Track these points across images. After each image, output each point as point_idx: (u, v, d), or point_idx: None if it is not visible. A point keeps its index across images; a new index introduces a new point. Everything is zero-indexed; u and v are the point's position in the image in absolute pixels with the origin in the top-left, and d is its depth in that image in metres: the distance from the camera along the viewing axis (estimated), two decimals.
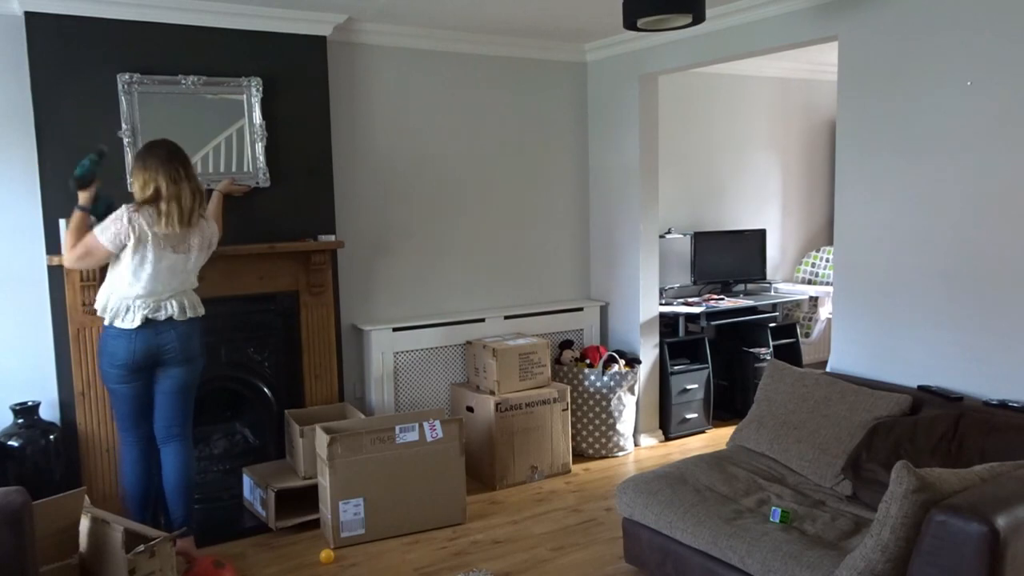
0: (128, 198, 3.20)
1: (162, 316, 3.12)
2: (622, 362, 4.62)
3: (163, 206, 3.06)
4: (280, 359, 3.99)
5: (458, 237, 4.66)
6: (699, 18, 2.90)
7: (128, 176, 3.43)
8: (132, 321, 3.08)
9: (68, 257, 3.12)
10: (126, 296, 3.09)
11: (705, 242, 5.38)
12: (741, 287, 5.58)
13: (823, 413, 3.20)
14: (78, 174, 3.12)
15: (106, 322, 3.13)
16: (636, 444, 4.82)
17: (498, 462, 4.16)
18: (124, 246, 3.06)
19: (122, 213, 3.06)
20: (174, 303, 3.15)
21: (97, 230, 3.06)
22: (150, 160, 3.09)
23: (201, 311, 3.27)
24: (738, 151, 5.72)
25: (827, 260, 5.82)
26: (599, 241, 5.06)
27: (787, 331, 5.42)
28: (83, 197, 3.14)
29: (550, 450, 4.32)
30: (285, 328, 3.98)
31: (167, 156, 3.10)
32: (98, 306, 3.15)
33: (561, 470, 4.37)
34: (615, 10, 3.93)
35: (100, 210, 3.18)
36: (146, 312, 3.09)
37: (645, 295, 4.79)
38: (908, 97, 3.26)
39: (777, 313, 5.40)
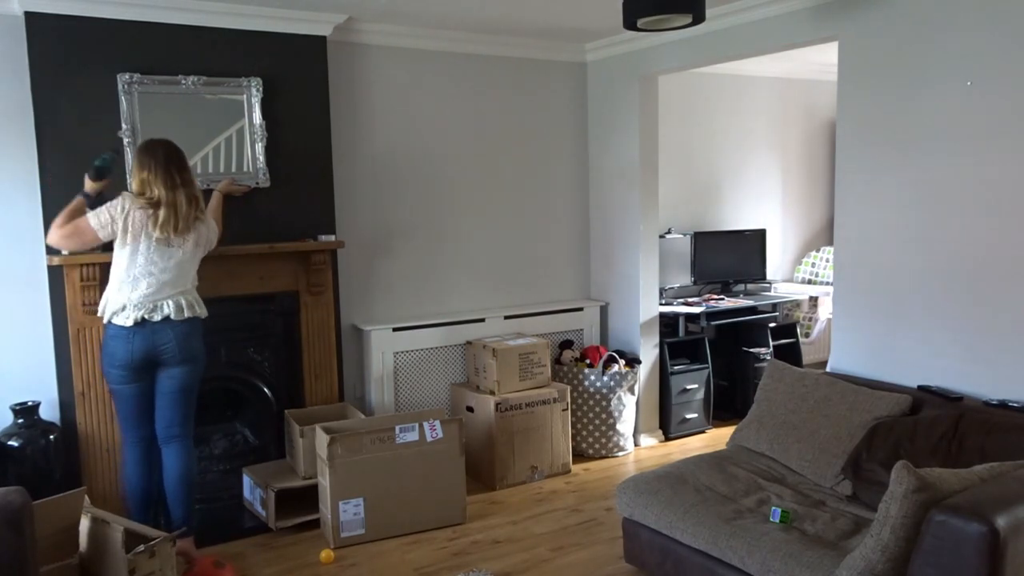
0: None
1: (158, 317, 3.11)
2: (622, 362, 4.62)
3: (161, 212, 3.08)
4: (280, 359, 3.99)
5: (458, 237, 4.66)
6: (699, 18, 2.91)
7: (128, 175, 3.44)
8: (127, 318, 3.07)
9: (55, 233, 3.10)
10: (121, 291, 3.09)
11: (705, 242, 5.37)
12: (741, 287, 5.58)
13: (823, 413, 3.20)
14: (98, 164, 3.23)
15: (104, 319, 3.13)
16: (636, 444, 4.82)
17: (498, 462, 4.16)
18: (113, 236, 3.09)
19: (118, 203, 3.08)
20: (171, 303, 3.14)
21: (91, 213, 3.10)
22: (147, 161, 3.11)
23: (201, 311, 3.26)
24: (738, 151, 5.71)
25: (827, 260, 5.82)
26: (599, 241, 5.06)
27: (787, 331, 5.41)
28: (92, 187, 3.22)
29: (550, 450, 4.32)
30: (285, 328, 3.98)
31: (164, 160, 3.11)
32: (100, 307, 3.16)
33: (561, 470, 4.37)
34: (615, 10, 3.93)
35: (103, 163, 3.26)
36: (142, 312, 3.08)
37: (645, 295, 4.79)
38: (908, 97, 3.26)
39: (777, 313, 5.40)
